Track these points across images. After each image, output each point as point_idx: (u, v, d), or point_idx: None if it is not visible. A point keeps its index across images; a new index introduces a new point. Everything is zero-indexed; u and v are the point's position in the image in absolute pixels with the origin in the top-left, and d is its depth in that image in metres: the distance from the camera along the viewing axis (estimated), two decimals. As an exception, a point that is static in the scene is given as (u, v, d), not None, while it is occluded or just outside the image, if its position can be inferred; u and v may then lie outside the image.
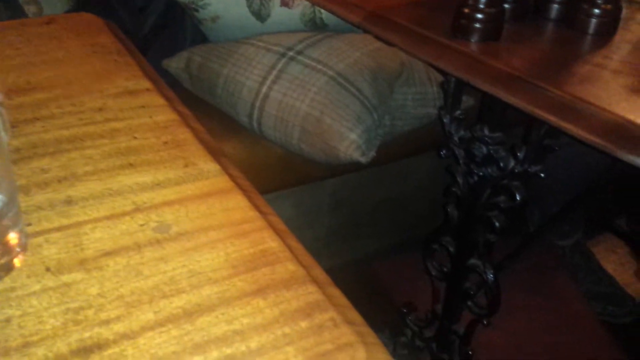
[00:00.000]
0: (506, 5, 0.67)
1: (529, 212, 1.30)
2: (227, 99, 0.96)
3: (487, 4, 0.62)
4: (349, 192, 1.17)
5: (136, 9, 1.07)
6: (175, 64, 1.03)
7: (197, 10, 0.97)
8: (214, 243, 0.38)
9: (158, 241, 0.38)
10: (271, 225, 0.40)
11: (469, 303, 0.85)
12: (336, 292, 0.36)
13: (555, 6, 0.71)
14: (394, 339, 1.05)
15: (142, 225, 0.39)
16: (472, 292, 0.85)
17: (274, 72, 0.92)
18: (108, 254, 0.37)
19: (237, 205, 0.41)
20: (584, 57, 0.63)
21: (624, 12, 0.69)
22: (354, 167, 0.93)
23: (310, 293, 0.34)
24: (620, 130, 0.50)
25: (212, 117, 1.01)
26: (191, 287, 0.34)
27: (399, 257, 1.29)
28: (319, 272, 0.37)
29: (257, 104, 0.93)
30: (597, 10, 0.66)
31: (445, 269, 0.88)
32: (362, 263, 1.28)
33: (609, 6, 0.66)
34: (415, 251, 0.96)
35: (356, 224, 1.23)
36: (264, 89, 0.92)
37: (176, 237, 0.38)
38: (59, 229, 0.39)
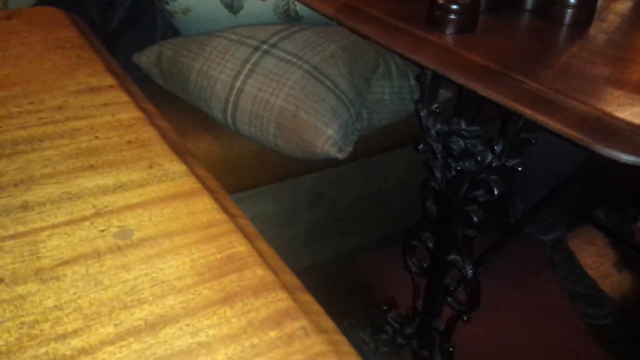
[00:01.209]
0: (481, -4, 0.66)
1: (511, 205, 1.30)
2: (200, 94, 0.94)
3: (462, -5, 0.61)
4: (328, 188, 1.15)
5: (104, 2, 1.04)
6: (145, 58, 1.01)
7: (167, 3, 0.95)
8: (179, 249, 0.36)
9: (119, 248, 0.36)
10: (240, 228, 0.38)
11: (449, 299, 0.84)
12: (307, 298, 0.34)
13: (531, -3, 0.70)
14: (375, 336, 1.04)
15: (102, 231, 0.37)
16: (452, 288, 0.84)
17: (248, 66, 0.90)
18: (66, 262, 0.35)
19: (203, 208, 0.40)
20: (560, 49, 0.62)
21: (599, 1, 0.69)
22: (332, 162, 0.91)
23: (280, 300, 0.33)
24: (597, 123, 0.50)
25: (186, 113, 0.99)
26: (154, 297, 0.33)
27: (380, 252, 1.28)
28: (289, 277, 0.35)
29: (231, 99, 0.91)
30: (572, 1, 0.66)
31: (425, 265, 0.87)
32: (342, 259, 1.27)
33: (584, -4, 0.65)
34: (396, 246, 0.95)
35: (336, 220, 1.22)
36: (238, 84, 0.90)
37: (138, 243, 0.36)
38: (14, 236, 0.37)
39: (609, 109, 0.50)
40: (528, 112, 0.53)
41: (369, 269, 1.26)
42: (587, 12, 0.67)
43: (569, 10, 0.66)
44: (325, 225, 1.21)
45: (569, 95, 0.52)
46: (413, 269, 0.88)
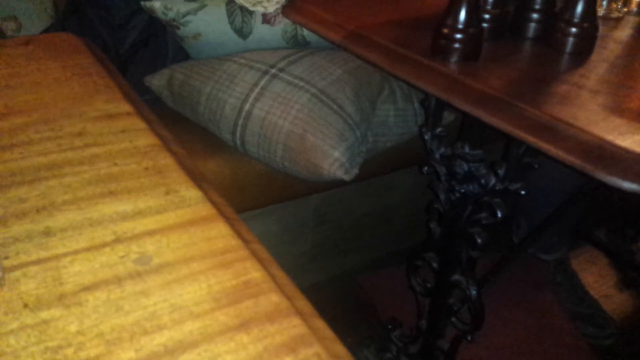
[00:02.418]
0: (485, 25, 0.68)
1: (515, 224, 1.31)
2: (210, 117, 0.96)
3: (465, 25, 0.63)
4: (333, 207, 1.16)
5: (116, 25, 1.06)
6: (157, 81, 1.03)
7: (178, 28, 0.97)
8: (196, 275, 0.37)
9: (139, 274, 0.37)
10: (254, 254, 0.40)
11: (453, 319, 0.85)
12: (321, 324, 0.35)
13: (533, 25, 0.72)
14: (379, 354, 1.04)
15: (122, 257, 0.38)
16: (455, 308, 0.85)
17: (257, 90, 0.92)
18: (87, 288, 0.36)
19: (219, 234, 0.41)
20: (562, 77, 0.64)
21: (601, 29, 0.70)
22: (337, 182, 0.93)
23: (294, 326, 0.34)
24: (599, 151, 0.51)
25: (195, 134, 1.01)
26: (173, 323, 0.34)
27: (383, 270, 1.29)
28: (303, 303, 0.37)
29: (240, 121, 0.92)
30: (574, 29, 0.67)
31: (429, 285, 0.88)
32: (347, 277, 1.28)
33: (585, 25, 0.67)
34: (399, 265, 0.96)
35: (340, 239, 1.23)
36: (247, 107, 0.92)
37: (157, 269, 0.38)
38: (37, 262, 0.38)
39: (611, 137, 0.52)
40: (531, 139, 0.54)
41: (373, 287, 1.27)
42: (588, 40, 0.68)
43: (571, 38, 0.67)
44: (330, 244, 1.22)
45: (571, 123, 0.54)
46: (417, 289, 0.89)
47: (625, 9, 0.82)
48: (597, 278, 1.36)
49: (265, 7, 0.94)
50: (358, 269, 1.29)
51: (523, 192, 0.69)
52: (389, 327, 0.99)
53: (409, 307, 0.96)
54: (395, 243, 1.32)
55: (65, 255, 0.39)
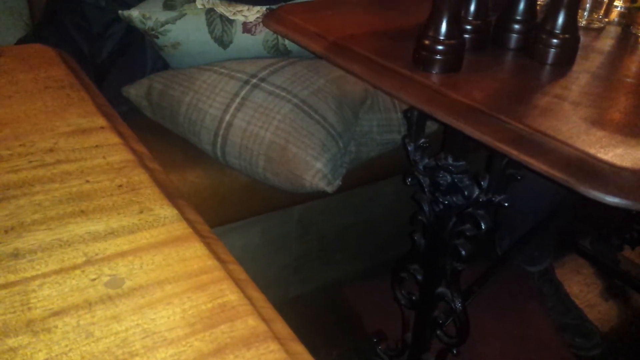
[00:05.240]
0: (466, 36, 0.67)
1: (498, 237, 1.31)
2: (190, 127, 0.94)
3: (447, 36, 0.62)
4: (316, 218, 1.15)
5: (94, 34, 1.04)
6: (135, 91, 1.01)
7: (157, 37, 0.95)
8: (170, 298, 0.36)
9: (110, 298, 0.36)
10: (231, 275, 0.39)
11: (438, 332, 0.84)
12: (300, 348, 0.34)
13: (515, 36, 0.72)
14: (364, 367, 1.03)
15: (93, 280, 0.37)
16: (441, 321, 0.84)
17: (238, 100, 0.91)
18: (57, 313, 0.35)
19: (194, 254, 0.40)
20: (544, 88, 0.63)
21: (582, 40, 0.70)
22: (321, 193, 0.92)
23: (271, 352, 0.33)
24: (581, 165, 0.51)
25: (175, 145, 0.99)
26: (145, 350, 0.32)
27: (369, 282, 1.28)
28: (281, 326, 0.36)
29: (221, 132, 0.91)
30: (555, 40, 0.67)
31: (413, 298, 0.87)
32: (331, 288, 1.27)
33: (567, 36, 0.67)
34: (384, 275, 0.95)
35: (325, 250, 1.22)
36: (228, 117, 0.91)
37: (129, 293, 0.36)
38: (5, 285, 0.36)
39: (593, 150, 0.52)
40: (513, 152, 0.54)
41: (358, 299, 1.26)
42: (570, 51, 0.68)
43: (552, 49, 0.67)
44: (314, 255, 1.21)
45: (553, 136, 0.54)
46: (402, 302, 0.89)
47: (607, 19, 0.82)
48: (582, 287, 1.36)
49: (245, 16, 0.93)
50: (343, 281, 1.28)
51: (506, 204, 0.69)
52: (375, 340, 0.98)
53: (395, 319, 0.95)
54: (381, 253, 1.31)
55: (34, 278, 0.37)
